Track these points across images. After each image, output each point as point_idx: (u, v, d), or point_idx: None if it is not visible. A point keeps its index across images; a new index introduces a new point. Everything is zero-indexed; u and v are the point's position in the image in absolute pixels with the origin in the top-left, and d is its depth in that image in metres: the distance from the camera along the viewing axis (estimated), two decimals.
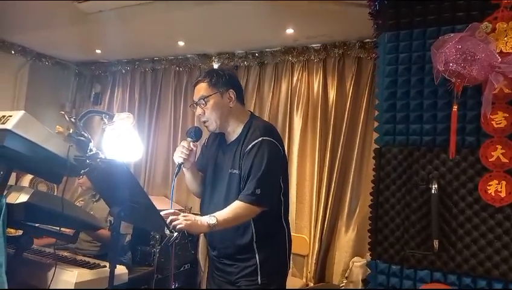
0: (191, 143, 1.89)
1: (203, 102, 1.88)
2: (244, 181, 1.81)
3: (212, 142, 2.05)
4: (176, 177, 1.87)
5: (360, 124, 3.53)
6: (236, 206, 1.76)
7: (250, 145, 1.82)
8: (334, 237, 3.60)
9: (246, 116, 1.97)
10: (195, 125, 2.02)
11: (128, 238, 3.17)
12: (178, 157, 1.87)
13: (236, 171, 1.85)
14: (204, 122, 1.94)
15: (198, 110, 1.92)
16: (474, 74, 1.64)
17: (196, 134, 1.92)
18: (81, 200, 3.44)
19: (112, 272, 1.64)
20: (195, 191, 2.07)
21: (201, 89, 1.90)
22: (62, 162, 1.71)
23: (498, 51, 1.69)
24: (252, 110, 3.91)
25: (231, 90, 1.91)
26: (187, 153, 1.87)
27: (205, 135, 2.07)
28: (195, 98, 1.92)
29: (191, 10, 3.09)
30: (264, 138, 1.83)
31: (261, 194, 1.75)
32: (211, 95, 1.88)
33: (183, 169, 1.93)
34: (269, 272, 1.87)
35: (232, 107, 1.91)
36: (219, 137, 2.00)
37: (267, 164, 1.78)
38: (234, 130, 1.94)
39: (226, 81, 1.91)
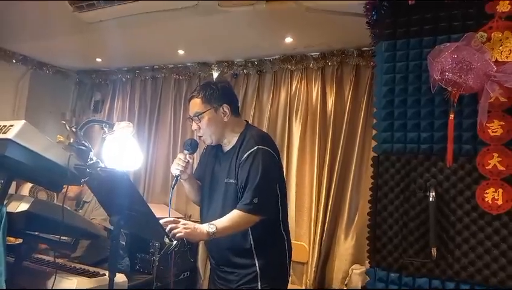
0: (188, 155, 1.92)
1: (198, 118, 1.91)
2: (241, 191, 1.83)
3: (210, 151, 2.07)
4: (173, 189, 1.89)
5: (359, 132, 3.54)
6: (235, 215, 1.77)
7: (245, 155, 1.84)
8: (334, 244, 3.60)
9: (241, 127, 1.99)
10: (193, 137, 2.05)
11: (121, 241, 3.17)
12: (175, 169, 1.90)
13: (233, 181, 1.87)
14: (200, 136, 1.96)
15: (194, 126, 1.95)
16: (470, 82, 1.66)
17: (192, 146, 1.94)
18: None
19: (111, 280, 1.64)
20: (195, 200, 2.10)
21: (196, 105, 1.92)
22: (62, 171, 1.72)
23: (493, 60, 1.71)
24: (252, 118, 3.97)
25: (225, 105, 1.92)
26: (184, 165, 1.90)
27: (202, 145, 2.09)
28: (190, 113, 1.94)
29: (190, 19, 3.12)
30: (259, 147, 1.84)
31: (258, 203, 1.76)
32: (205, 112, 1.90)
33: (181, 180, 1.95)
34: (269, 278, 1.89)
35: (226, 121, 1.93)
36: (216, 146, 2.02)
37: (263, 173, 1.80)
38: (230, 141, 1.96)
39: (220, 96, 1.92)
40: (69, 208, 3.25)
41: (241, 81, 4.16)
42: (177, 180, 1.91)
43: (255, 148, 1.84)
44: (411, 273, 1.89)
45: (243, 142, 1.90)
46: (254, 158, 1.82)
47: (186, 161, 1.91)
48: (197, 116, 1.90)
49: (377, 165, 2.03)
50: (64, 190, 3.03)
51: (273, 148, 1.92)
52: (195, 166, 2.17)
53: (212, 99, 1.91)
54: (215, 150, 2.04)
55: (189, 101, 1.97)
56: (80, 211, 3.19)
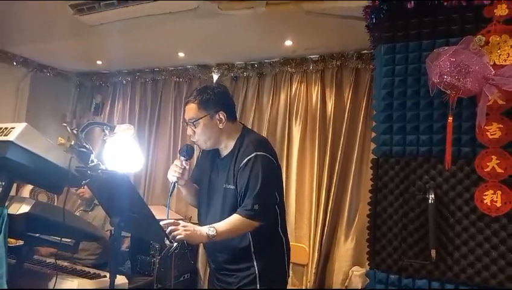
0: (184, 161, 1.92)
1: (193, 124, 1.89)
2: (240, 197, 1.83)
3: (207, 154, 2.06)
4: (170, 195, 1.90)
5: (358, 135, 3.56)
6: (235, 219, 1.78)
7: (244, 161, 1.83)
8: (334, 246, 3.61)
9: (238, 131, 1.97)
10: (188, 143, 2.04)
11: (126, 243, 3.17)
12: (172, 176, 1.91)
13: (231, 186, 1.87)
14: (195, 142, 1.95)
15: (189, 131, 1.93)
16: (468, 86, 1.67)
17: (188, 152, 1.94)
18: (81, 210, 3.45)
19: (112, 282, 1.65)
20: (193, 204, 2.11)
21: (191, 110, 1.90)
22: (63, 173, 1.73)
23: (491, 63, 1.72)
24: (252, 120, 3.99)
25: (221, 111, 1.89)
26: (180, 171, 1.90)
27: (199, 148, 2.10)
28: (186, 117, 1.92)
29: (191, 22, 3.13)
30: (258, 153, 1.84)
31: (259, 209, 1.77)
32: (200, 118, 1.88)
33: (179, 186, 1.95)
34: (268, 280, 1.89)
35: (222, 128, 1.91)
36: (213, 150, 2.01)
37: (262, 179, 1.79)
38: (226, 146, 1.95)
39: (216, 102, 1.89)
40: (70, 211, 3.27)
41: (241, 84, 4.18)
42: (174, 186, 1.91)
43: (253, 154, 1.83)
44: (411, 275, 1.89)
45: (241, 148, 1.89)
46: (253, 165, 1.82)
47: (183, 167, 1.91)
48: (192, 122, 1.89)
49: (376, 167, 2.03)
50: (73, 191, 3.06)
51: (271, 153, 1.92)
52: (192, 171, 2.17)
53: (208, 105, 1.88)
54: (212, 154, 2.03)
55: (185, 105, 1.95)
56: (90, 212, 3.20)
